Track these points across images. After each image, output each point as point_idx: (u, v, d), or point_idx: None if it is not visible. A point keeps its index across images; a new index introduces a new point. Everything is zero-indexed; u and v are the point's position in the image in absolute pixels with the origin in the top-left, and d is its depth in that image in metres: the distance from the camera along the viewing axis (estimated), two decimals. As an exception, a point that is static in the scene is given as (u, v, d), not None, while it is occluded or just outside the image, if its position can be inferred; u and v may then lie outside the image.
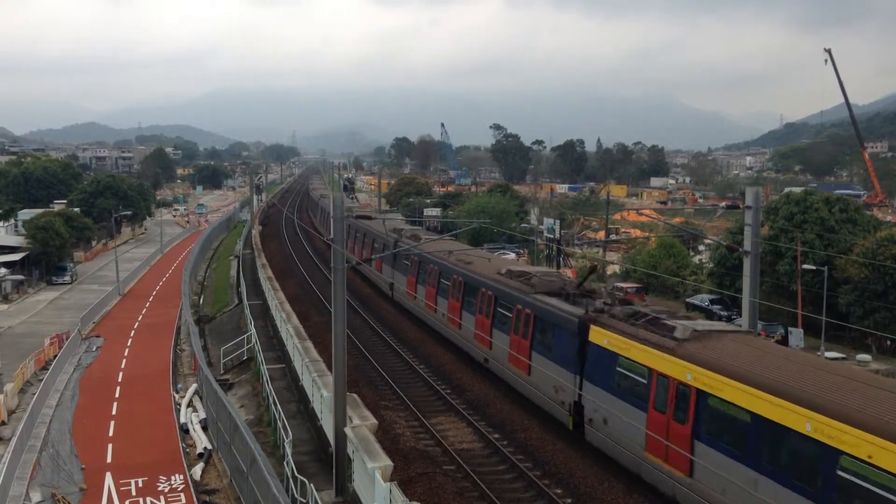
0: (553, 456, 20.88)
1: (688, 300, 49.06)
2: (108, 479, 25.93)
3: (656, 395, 18.26)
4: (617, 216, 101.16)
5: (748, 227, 23.73)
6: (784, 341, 38.32)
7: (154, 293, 66.03)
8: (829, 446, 13.55)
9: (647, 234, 76.58)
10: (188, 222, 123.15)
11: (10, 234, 77.81)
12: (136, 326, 53.04)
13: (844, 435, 13.29)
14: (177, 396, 35.53)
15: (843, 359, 36.94)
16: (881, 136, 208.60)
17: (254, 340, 35.97)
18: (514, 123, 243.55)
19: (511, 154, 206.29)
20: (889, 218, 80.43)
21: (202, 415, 31.75)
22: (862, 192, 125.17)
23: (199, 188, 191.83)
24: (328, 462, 21.12)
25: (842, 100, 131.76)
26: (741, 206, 25.82)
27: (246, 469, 22.07)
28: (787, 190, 76.80)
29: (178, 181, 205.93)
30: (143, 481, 25.56)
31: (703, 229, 61.36)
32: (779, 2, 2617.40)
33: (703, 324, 20.06)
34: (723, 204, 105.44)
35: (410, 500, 15.10)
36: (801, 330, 39.54)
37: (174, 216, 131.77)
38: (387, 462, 16.77)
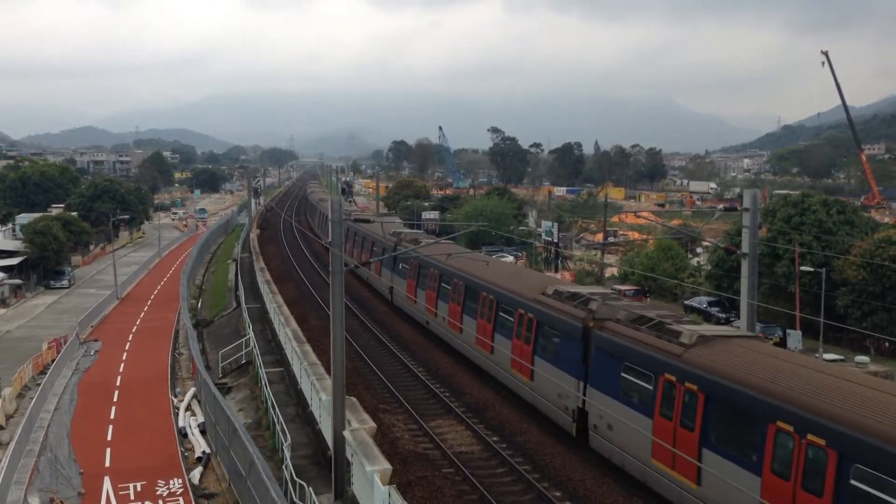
0: (552, 459, 20.88)
1: (686, 302, 49.13)
2: (107, 484, 25.94)
3: None
4: (615, 218, 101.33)
5: (746, 229, 23.77)
6: (782, 343, 38.37)
7: (152, 297, 65.97)
8: None
9: (645, 236, 76.65)
10: (186, 226, 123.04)
11: (7, 239, 77.77)
12: (134, 330, 53.00)
13: None
14: (175, 400, 35.51)
15: (841, 360, 36.95)
16: (879, 139, 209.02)
17: (252, 344, 35.95)
18: (513, 126, 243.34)
19: (509, 157, 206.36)
20: (887, 219, 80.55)
21: (201, 419, 31.74)
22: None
23: (198, 192, 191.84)
24: (327, 466, 21.10)
25: (839, 102, 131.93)
26: (739, 208, 25.84)
27: (245, 473, 22.06)
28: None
29: (176, 185, 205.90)
30: (141, 485, 25.58)
31: (702, 231, 61.46)
32: (778, 4, 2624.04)
33: None
34: (720, 206, 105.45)
35: (409, 504, 15.10)
36: (800, 332, 39.61)
37: (173, 220, 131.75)
38: (386, 465, 16.76)
